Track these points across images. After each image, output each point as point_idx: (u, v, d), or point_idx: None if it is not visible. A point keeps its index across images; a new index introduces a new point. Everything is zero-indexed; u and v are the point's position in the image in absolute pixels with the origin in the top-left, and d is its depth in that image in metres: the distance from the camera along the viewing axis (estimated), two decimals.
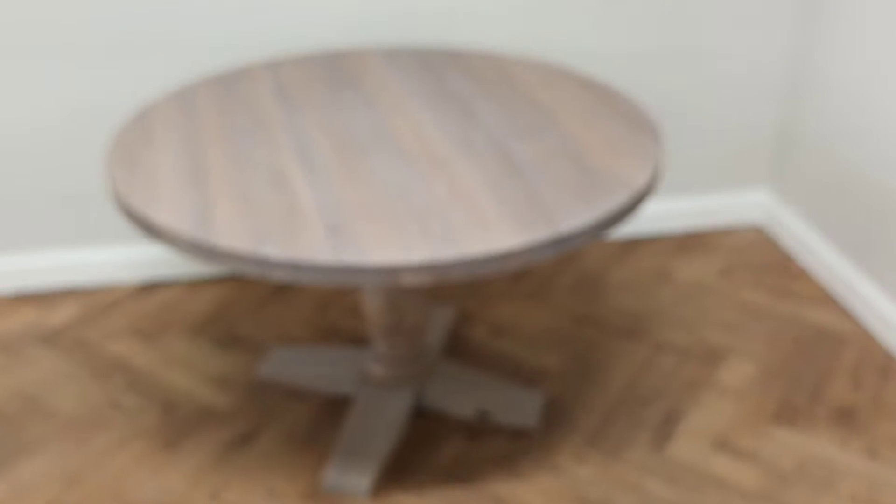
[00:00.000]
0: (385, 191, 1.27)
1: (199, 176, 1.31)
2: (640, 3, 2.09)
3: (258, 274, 1.12)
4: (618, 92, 1.65)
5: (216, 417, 1.73)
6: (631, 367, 1.88)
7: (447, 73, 1.75)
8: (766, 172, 2.39)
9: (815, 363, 1.89)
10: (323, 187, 1.28)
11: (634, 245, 2.35)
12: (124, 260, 2.17)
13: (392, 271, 1.10)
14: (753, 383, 1.83)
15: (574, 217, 1.20)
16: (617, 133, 1.47)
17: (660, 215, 2.38)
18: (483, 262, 1.12)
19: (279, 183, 1.29)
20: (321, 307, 2.09)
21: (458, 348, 1.94)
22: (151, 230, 1.20)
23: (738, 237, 2.39)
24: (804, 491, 1.56)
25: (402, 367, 1.71)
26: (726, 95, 2.25)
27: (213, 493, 1.55)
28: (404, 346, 1.69)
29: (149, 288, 2.18)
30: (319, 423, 1.72)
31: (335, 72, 1.76)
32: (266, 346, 1.95)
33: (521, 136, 1.46)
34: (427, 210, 1.21)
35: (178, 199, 1.24)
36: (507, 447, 1.66)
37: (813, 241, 2.20)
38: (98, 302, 2.11)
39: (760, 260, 2.28)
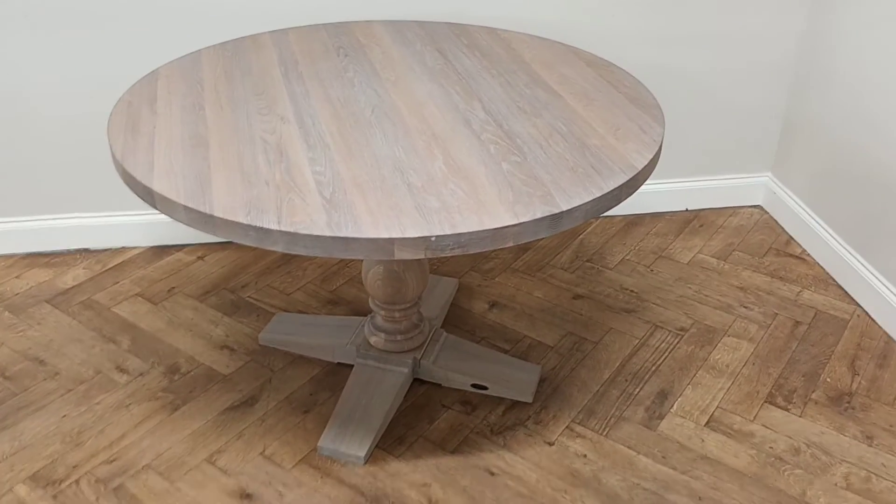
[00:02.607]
0: (383, 166, 1.28)
1: (200, 144, 1.33)
2: None
3: (255, 244, 1.14)
4: (622, 71, 1.65)
5: (218, 382, 1.76)
6: (627, 344, 1.89)
7: (451, 47, 1.75)
8: (770, 155, 2.38)
9: (813, 346, 1.90)
10: (322, 160, 1.29)
11: (635, 223, 2.35)
12: (135, 224, 2.19)
13: (386, 245, 1.11)
14: (749, 364, 1.84)
15: (570, 196, 1.20)
16: (619, 113, 1.47)
17: (662, 194, 2.38)
18: (476, 239, 1.13)
19: (279, 154, 1.30)
20: (325, 277, 2.11)
21: (456, 321, 1.96)
22: (149, 197, 1.21)
23: (739, 218, 2.39)
24: (798, 474, 1.57)
25: (401, 339, 1.73)
26: (734, 78, 2.24)
27: (210, 456, 1.58)
28: (403, 317, 1.71)
29: (158, 252, 2.20)
30: (318, 390, 1.75)
31: (340, 43, 1.76)
32: (270, 313, 1.97)
33: (523, 113, 1.46)
34: (423, 186, 1.22)
35: (177, 167, 1.25)
36: (502, 420, 1.68)
37: (814, 224, 2.19)
38: (108, 265, 2.14)
39: (761, 242, 2.28)
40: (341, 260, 2.18)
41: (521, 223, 1.14)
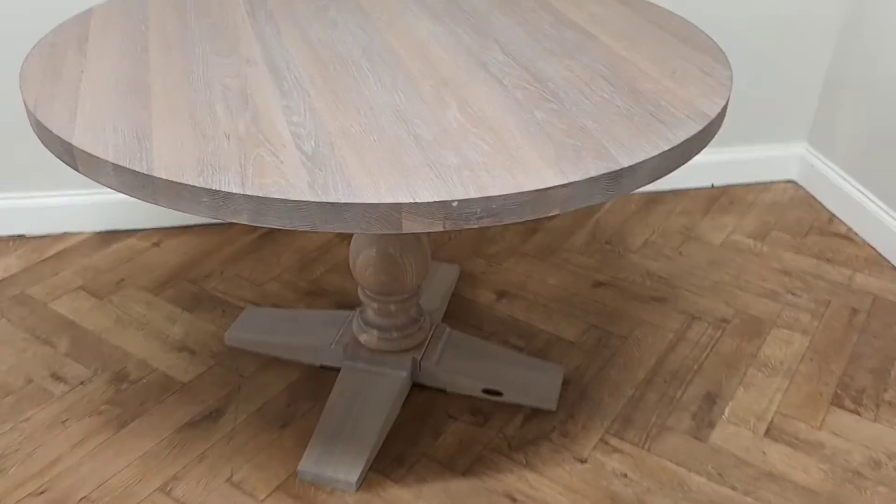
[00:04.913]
0: (380, 114, 0.98)
1: (139, 91, 1.02)
2: None
3: (210, 215, 0.84)
4: (664, 9, 1.36)
5: (174, 392, 1.46)
6: (662, 339, 1.61)
7: None
8: (806, 122, 2.11)
9: (876, 337, 1.63)
10: (300, 109, 0.99)
11: (656, 201, 2.07)
12: (78, 205, 1.88)
13: (391, 213, 0.81)
14: (807, 360, 1.56)
15: (631, 150, 0.91)
16: (671, 54, 1.18)
17: (684, 168, 2.10)
18: (513, 205, 0.83)
19: (243, 102, 1.00)
20: (304, 264, 1.81)
21: (460, 314, 1.67)
22: (68, 156, 0.91)
23: (772, 194, 2.11)
24: (882, 493, 1.30)
25: (397, 336, 1.43)
26: (767, 32, 1.96)
27: (165, 485, 1.28)
28: (400, 310, 1.42)
29: (105, 238, 1.89)
30: (297, 400, 1.45)
31: None
32: (239, 308, 1.67)
33: (552, 55, 1.17)
34: (436, 139, 0.93)
35: (108, 118, 0.95)
36: (522, 433, 1.39)
37: (862, 199, 1.92)
38: (45, 253, 1.82)
39: (799, 220, 2.01)
40: (322, 244, 1.87)
41: (571, 183, 0.85)
